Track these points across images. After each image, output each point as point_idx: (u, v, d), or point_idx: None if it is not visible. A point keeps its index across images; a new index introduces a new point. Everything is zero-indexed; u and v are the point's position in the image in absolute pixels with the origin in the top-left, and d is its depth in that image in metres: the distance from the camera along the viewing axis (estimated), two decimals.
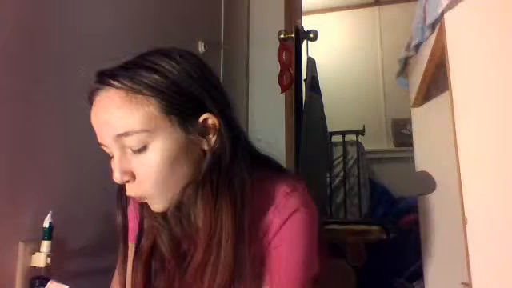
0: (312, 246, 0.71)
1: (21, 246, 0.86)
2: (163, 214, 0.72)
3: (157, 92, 0.63)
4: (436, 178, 1.14)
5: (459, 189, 0.59)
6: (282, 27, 1.98)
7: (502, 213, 0.55)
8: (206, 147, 0.67)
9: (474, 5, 0.60)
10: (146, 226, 0.75)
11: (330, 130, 2.69)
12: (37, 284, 0.85)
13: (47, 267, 0.86)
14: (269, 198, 0.70)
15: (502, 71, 0.57)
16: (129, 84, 0.63)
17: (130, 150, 0.64)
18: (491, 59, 0.59)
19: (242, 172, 0.68)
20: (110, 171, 0.66)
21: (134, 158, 0.64)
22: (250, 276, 0.66)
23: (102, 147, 0.67)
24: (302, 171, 1.98)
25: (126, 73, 0.64)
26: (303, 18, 2.48)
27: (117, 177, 0.65)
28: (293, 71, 1.99)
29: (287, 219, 0.68)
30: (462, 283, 0.92)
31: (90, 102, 0.67)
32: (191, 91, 0.66)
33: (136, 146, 0.63)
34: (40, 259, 0.86)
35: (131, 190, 0.67)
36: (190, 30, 1.59)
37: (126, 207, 0.75)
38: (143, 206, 0.73)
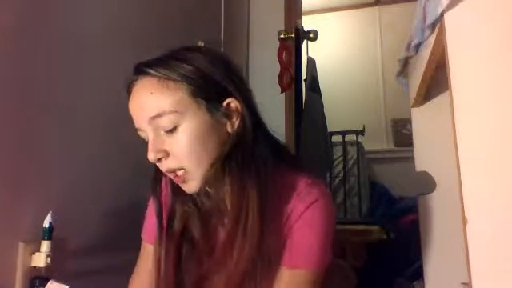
0: (330, 235, 0.75)
1: (21, 246, 0.86)
2: (193, 199, 0.79)
3: (186, 78, 0.71)
4: (436, 178, 1.14)
5: (459, 189, 0.59)
6: (282, 27, 1.98)
7: (502, 213, 0.55)
8: (230, 129, 0.74)
9: (473, 5, 0.60)
10: (177, 211, 0.80)
11: (330, 130, 2.68)
12: (37, 284, 0.85)
13: (47, 267, 0.86)
14: (291, 186, 0.76)
15: (502, 71, 0.57)
16: (161, 71, 0.71)
17: (162, 132, 0.71)
18: (491, 59, 0.59)
19: (265, 152, 0.75)
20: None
21: (167, 137, 0.71)
22: (272, 255, 0.71)
23: (139, 132, 0.74)
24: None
25: (158, 62, 0.73)
26: (303, 18, 2.48)
27: (151, 156, 0.71)
28: (293, 71, 2.00)
29: (309, 206, 0.73)
30: (462, 283, 0.92)
31: (129, 93, 0.75)
32: (216, 78, 0.74)
33: (168, 126, 0.70)
34: (40, 259, 0.86)
35: (166, 165, 0.72)
36: (190, 29, 1.59)
37: (161, 195, 0.81)
38: (175, 191, 0.79)
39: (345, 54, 3.61)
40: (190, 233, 0.79)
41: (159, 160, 0.72)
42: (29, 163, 0.91)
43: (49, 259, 0.86)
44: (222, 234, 0.77)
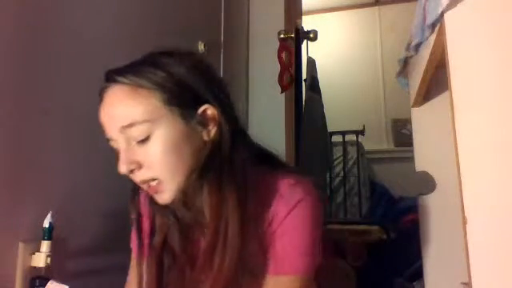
0: (317, 236, 0.72)
1: (21, 246, 0.86)
2: (172, 210, 0.76)
3: (157, 85, 0.68)
4: (436, 178, 1.14)
5: (459, 189, 0.59)
6: (282, 27, 1.98)
7: (502, 213, 0.55)
8: (206, 137, 0.71)
9: (473, 5, 0.60)
10: (157, 222, 0.78)
11: (330, 130, 2.68)
12: (37, 284, 0.85)
13: (47, 267, 0.86)
14: (274, 189, 0.73)
15: (502, 71, 0.57)
16: (132, 78, 0.68)
17: (134, 142, 0.68)
18: (491, 59, 0.59)
19: (243, 161, 0.71)
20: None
21: (139, 148, 0.68)
22: (255, 262, 0.69)
23: (111, 142, 0.71)
24: (302, 171, 1.98)
25: (129, 69, 0.70)
26: (303, 18, 2.48)
27: (122, 168, 0.68)
28: (293, 71, 2.00)
29: (293, 208, 0.70)
30: (462, 283, 0.92)
31: (100, 99, 0.72)
32: (190, 84, 0.71)
33: (140, 136, 0.67)
34: (40, 259, 0.86)
35: (139, 177, 0.69)
36: (191, 30, 1.59)
37: (139, 205, 0.79)
38: (154, 202, 0.76)
39: (345, 54, 3.61)
40: (170, 245, 0.77)
41: (132, 171, 0.69)
42: (29, 163, 0.91)
43: (49, 259, 0.86)
44: (203, 242, 0.74)
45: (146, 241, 0.78)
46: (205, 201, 0.71)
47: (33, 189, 0.91)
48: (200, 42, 1.60)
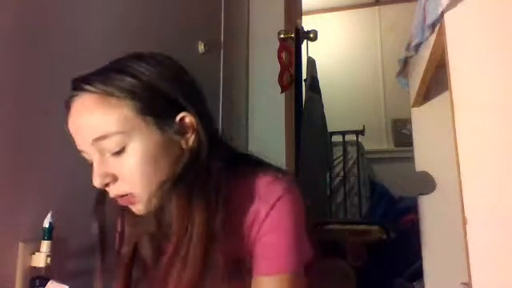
0: (300, 232, 0.70)
1: (21, 246, 0.86)
2: (144, 220, 0.73)
3: (129, 93, 0.64)
4: (436, 178, 1.14)
5: (459, 189, 0.59)
6: (282, 27, 1.98)
7: (502, 213, 0.55)
8: (184, 146, 0.68)
9: (473, 5, 0.60)
10: (126, 233, 0.76)
11: (330, 129, 2.68)
12: (37, 284, 0.85)
13: (47, 267, 0.86)
14: (252, 190, 0.70)
15: (502, 71, 0.57)
16: (101, 87, 0.64)
17: (108, 153, 0.65)
18: (491, 59, 0.59)
19: (219, 169, 0.68)
20: (90, 179, 0.67)
21: (114, 160, 0.65)
22: (222, 277, 0.64)
23: (83, 154, 0.68)
24: (301, 171, 1.98)
25: (98, 77, 0.66)
26: (303, 18, 2.48)
27: (96, 181, 0.65)
28: (293, 71, 1.99)
29: (273, 207, 0.68)
30: (462, 283, 0.92)
31: (67, 109, 0.68)
32: (165, 91, 0.67)
33: (114, 148, 0.64)
34: (40, 259, 0.86)
35: (114, 190, 0.67)
36: (191, 30, 1.59)
37: (105, 215, 0.75)
38: (124, 214, 0.75)
39: (345, 54, 3.60)
40: (141, 256, 0.74)
41: (107, 185, 0.66)
42: (29, 163, 0.91)
43: (49, 259, 0.86)
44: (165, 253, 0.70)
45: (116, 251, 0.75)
46: (172, 213, 0.67)
47: (33, 189, 0.91)
48: (200, 42, 1.60)
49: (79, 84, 0.66)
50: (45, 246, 0.87)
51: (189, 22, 1.59)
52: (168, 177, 0.66)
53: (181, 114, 0.67)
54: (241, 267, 0.69)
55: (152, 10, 1.37)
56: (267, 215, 0.68)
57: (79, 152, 0.68)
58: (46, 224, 0.87)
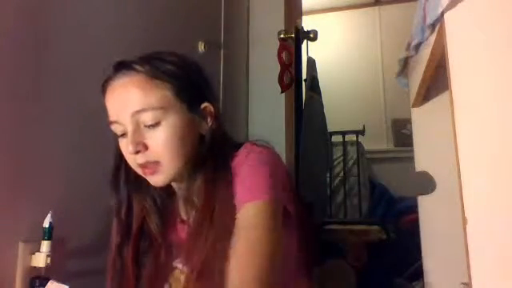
0: (276, 177, 0.75)
1: (21, 246, 0.86)
2: (152, 195, 0.83)
3: (172, 78, 0.75)
4: (436, 178, 1.14)
5: (459, 189, 0.59)
6: (282, 27, 1.98)
7: (502, 213, 0.55)
8: (203, 131, 0.79)
9: (473, 5, 0.60)
10: (135, 207, 0.83)
11: (330, 129, 2.68)
12: (37, 284, 0.85)
13: (47, 267, 0.86)
14: (236, 157, 0.78)
15: (502, 71, 0.57)
16: (149, 69, 0.74)
17: (143, 125, 0.74)
18: (491, 59, 0.59)
19: (229, 152, 0.78)
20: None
21: (148, 132, 0.74)
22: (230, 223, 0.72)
23: (113, 125, 0.76)
24: (302, 171, 1.98)
25: (145, 61, 0.76)
26: (303, 17, 2.48)
27: (131, 147, 0.73)
28: (293, 71, 1.99)
29: (246, 156, 0.76)
30: (462, 283, 0.92)
31: (104, 88, 0.77)
32: (196, 82, 0.80)
33: (151, 121, 0.73)
34: (40, 259, 0.86)
35: (143, 158, 0.74)
36: (190, 30, 1.59)
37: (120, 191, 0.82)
38: (134, 188, 0.82)
39: (345, 54, 3.60)
40: (148, 228, 0.82)
41: (137, 152, 0.74)
42: (29, 163, 0.91)
43: (49, 259, 0.86)
44: (182, 229, 0.82)
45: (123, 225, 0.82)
46: (199, 188, 0.77)
47: (33, 189, 0.91)
48: (200, 42, 1.60)
49: (126, 66, 0.75)
50: (45, 246, 0.87)
51: (189, 21, 1.59)
52: (189, 154, 0.76)
53: (205, 104, 0.80)
54: None
55: (152, 9, 1.37)
56: (242, 164, 0.75)
57: (110, 123, 0.76)
58: (45, 224, 0.87)
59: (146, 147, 0.74)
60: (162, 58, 0.78)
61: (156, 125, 0.74)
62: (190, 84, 0.78)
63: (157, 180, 0.76)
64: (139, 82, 0.74)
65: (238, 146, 0.82)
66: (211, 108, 0.80)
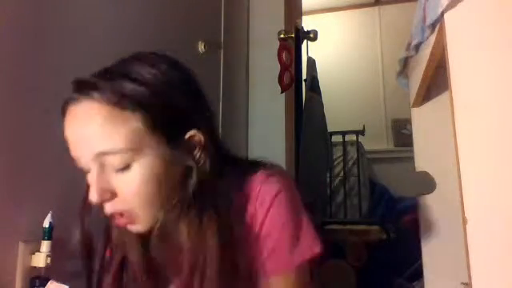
0: (301, 223, 0.67)
1: (21, 246, 0.86)
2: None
3: (143, 106, 0.59)
4: (436, 178, 1.14)
5: (459, 189, 0.59)
6: (282, 27, 1.98)
7: (502, 213, 0.55)
8: (191, 164, 0.63)
9: (473, 5, 0.60)
10: (115, 239, 0.71)
11: (330, 129, 2.68)
12: (37, 284, 0.85)
13: (47, 267, 0.86)
14: (248, 193, 0.66)
15: (502, 71, 0.57)
16: (112, 97, 0.58)
17: (110, 168, 0.60)
18: (491, 59, 0.59)
19: (228, 189, 0.64)
20: (87, 188, 0.62)
21: (116, 176, 0.60)
22: (248, 270, 0.64)
23: (77, 161, 0.63)
24: (302, 171, 1.98)
25: (108, 85, 0.59)
26: (303, 17, 2.48)
27: (94, 197, 0.60)
28: (293, 71, 1.99)
29: (270, 206, 0.65)
30: (462, 283, 0.92)
31: (64, 111, 0.62)
32: (179, 105, 0.63)
33: (119, 165, 0.59)
34: (40, 259, 0.86)
35: (112, 208, 0.62)
36: (190, 30, 1.59)
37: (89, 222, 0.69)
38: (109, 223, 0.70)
39: (345, 54, 3.60)
40: (130, 263, 0.70)
41: (103, 201, 0.61)
42: (29, 163, 0.91)
43: (49, 259, 0.86)
44: (176, 278, 0.67)
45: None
46: (182, 235, 0.62)
47: (33, 189, 0.91)
48: (200, 42, 1.60)
49: (85, 89, 0.60)
50: (45, 245, 0.87)
51: (189, 21, 1.59)
52: (172, 197, 0.62)
53: (191, 132, 0.63)
54: (249, 272, 0.66)
55: (152, 9, 1.37)
56: (266, 216, 0.65)
57: (74, 158, 0.63)
58: (45, 224, 0.87)
59: (114, 194, 0.60)
60: (131, 76, 0.60)
61: (126, 168, 0.59)
62: (171, 109, 0.61)
63: (135, 229, 0.64)
64: (100, 114, 0.58)
65: (245, 169, 0.69)
66: (200, 136, 0.63)
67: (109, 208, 0.62)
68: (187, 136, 0.63)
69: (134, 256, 0.69)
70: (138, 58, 0.65)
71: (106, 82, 0.60)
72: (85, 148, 0.60)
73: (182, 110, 0.63)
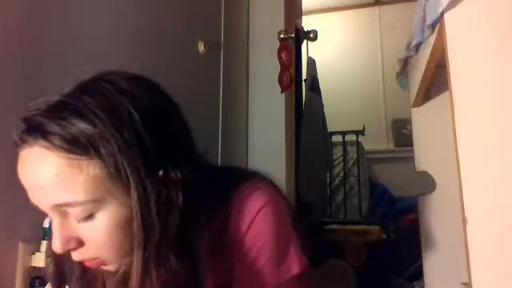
0: (288, 239, 0.63)
1: (21, 246, 0.86)
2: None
3: (104, 154, 0.51)
4: (436, 178, 1.14)
5: (459, 189, 0.59)
6: (282, 27, 1.98)
7: (501, 213, 0.55)
8: (163, 202, 0.55)
9: (473, 5, 0.60)
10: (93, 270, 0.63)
11: (330, 129, 2.68)
12: (37, 284, 0.85)
13: (47, 267, 0.86)
14: (232, 209, 0.62)
15: (502, 71, 0.57)
16: (65, 144, 0.51)
17: (72, 216, 0.53)
18: (491, 59, 0.59)
19: (202, 229, 0.57)
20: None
21: (80, 224, 0.54)
22: (234, 284, 0.60)
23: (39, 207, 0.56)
24: (301, 171, 1.98)
25: (60, 129, 0.51)
26: (303, 17, 2.48)
27: (57, 246, 0.53)
28: (293, 71, 1.99)
29: (252, 221, 0.60)
30: (462, 283, 0.92)
31: (19, 157, 0.57)
32: (146, 143, 0.53)
33: (80, 215, 0.53)
34: (40, 259, 0.86)
35: (79, 255, 0.55)
36: (190, 30, 1.59)
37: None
38: None
39: (345, 54, 3.60)
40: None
41: (69, 250, 0.55)
42: None
43: (49, 259, 0.86)
44: None
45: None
46: (152, 277, 0.54)
47: None
48: (200, 42, 1.60)
49: (35, 132, 0.52)
50: (45, 246, 0.87)
51: (189, 21, 1.59)
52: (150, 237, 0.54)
53: (161, 172, 0.55)
54: None
55: (152, 9, 1.37)
56: (247, 232, 0.61)
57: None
58: (45, 224, 0.87)
59: (80, 243, 0.54)
60: (86, 115, 0.51)
61: (89, 217, 0.53)
62: (136, 149, 0.52)
63: (107, 269, 0.58)
64: (54, 163, 0.51)
65: (228, 187, 0.63)
66: (174, 172, 0.55)
67: (76, 256, 0.56)
68: (159, 175, 0.54)
69: (112, 283, 0.62)
70: (97, 87, 0.56)
71: (59, 124, 0.52)
72: (41, 199, 0.54)
73: (149, 149, 0.53)
